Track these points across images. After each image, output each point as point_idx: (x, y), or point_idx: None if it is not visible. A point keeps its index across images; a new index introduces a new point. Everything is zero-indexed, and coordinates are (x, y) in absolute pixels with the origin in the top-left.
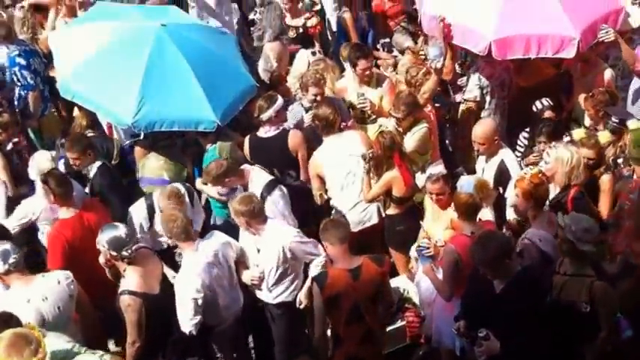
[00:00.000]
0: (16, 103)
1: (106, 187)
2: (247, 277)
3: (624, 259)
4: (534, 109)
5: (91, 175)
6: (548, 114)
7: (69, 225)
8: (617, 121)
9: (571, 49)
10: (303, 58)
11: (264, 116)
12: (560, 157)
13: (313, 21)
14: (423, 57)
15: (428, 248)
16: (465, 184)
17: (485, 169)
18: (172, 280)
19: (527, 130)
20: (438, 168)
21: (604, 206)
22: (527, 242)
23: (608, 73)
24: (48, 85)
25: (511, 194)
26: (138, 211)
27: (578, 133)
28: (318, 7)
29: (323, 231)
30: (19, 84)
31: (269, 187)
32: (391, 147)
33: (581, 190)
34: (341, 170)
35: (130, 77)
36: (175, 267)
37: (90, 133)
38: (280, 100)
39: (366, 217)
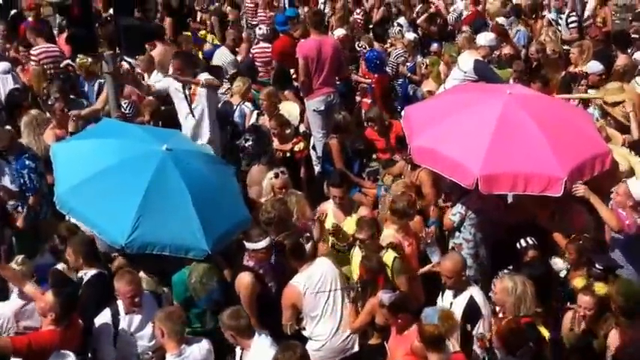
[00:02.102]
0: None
1: (93, 299)
2: None
3: None
4: (518, 246)
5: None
6: (531, 253)
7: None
8: (601, 267)
9: (557, 189)
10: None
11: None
12: (504, 288)
13: (301, 146)
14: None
15: None
16: (430, 314)
17: (454, 304)
18: None
19: (510, 267)
20: (388, 294)
21: None
22: None
23: (587, 216)
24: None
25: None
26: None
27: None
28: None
29: None
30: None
31: None
32: (377, 270)
33: (533, 321)
34: (321, 299)
35: (128, 198)
36: None
37: None
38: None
39: (349, 345)
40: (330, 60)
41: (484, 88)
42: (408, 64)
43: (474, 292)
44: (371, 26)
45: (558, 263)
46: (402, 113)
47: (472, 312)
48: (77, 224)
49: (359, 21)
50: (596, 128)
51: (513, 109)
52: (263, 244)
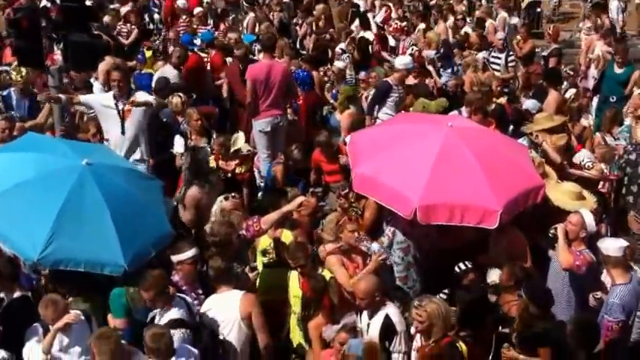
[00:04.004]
0: None
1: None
2: None
3: None
4: (457, 270)
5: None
6: (470, 277)
7: None
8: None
9: (493, 221)
10: (217, 202)
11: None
12: (432, 312)
13: (242, 169)
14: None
15: None
16: (354, 345)
17: (371, 325)
18: None
19: (446, 291)
20: (352, 318)
21: None
22: None
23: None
24: None
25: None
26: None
27: None
28: (247, 152)
29: None
30: None
31: (172, 325)
32: (322, 290)
33: (452, 340)
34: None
35: (43, 213)
36: None
37: None
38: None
39: None
40: (279, 84)
41: (428, 119)
42: (334, 90)
43: (390, 311)
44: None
45: (492, 276)
46: (347, 139)
47: (388, 330)
48: None
49: None
50: (530, 161)
51: (453, 141)
52: (189, 254)
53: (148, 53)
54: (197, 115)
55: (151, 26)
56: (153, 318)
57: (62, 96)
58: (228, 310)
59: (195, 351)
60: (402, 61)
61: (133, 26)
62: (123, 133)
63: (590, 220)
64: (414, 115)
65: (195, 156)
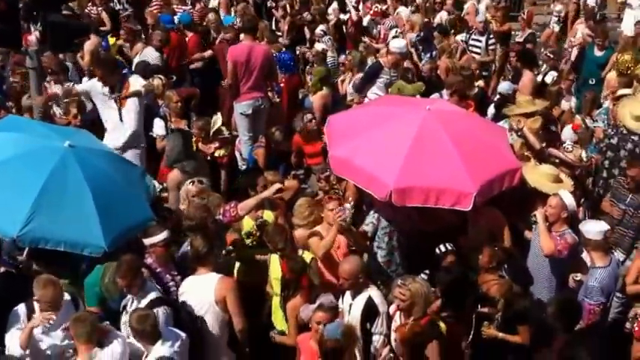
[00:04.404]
0: None
1: None
2: None
3: None
4: (437, 252)
5: None
6: (450, 258)
7: None
8: (507, 275)
9: (467, 203)
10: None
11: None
12: (415, 291)
13: (221, 152)
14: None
15: None
16: (331, 329)
17: (353, 306)
18: None
19: (427, 272)
20: (329, 298)
21: None
22: None
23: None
24: None
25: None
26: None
27: None
28: (227, 135)
29: None
30: None
31: (154, 303)
32: (301, 271)
33: (432, 319)
34: None
35: (24, 192)
36: None
37: None
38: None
39: None
40: (260, 66)
41: (406, 101)
42: None
43: (373, 293)
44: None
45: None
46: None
47: (370, 311)
48: None
49: None
50: (508, 144)
51: (431, 124)
52: (161, 236)
53: (112, 40)
54: (177, 97)
55: (118, 7)
56: (125, 305)
57: (58, 91)
58: (203, 292)
59: (183, 334)
60: (396, 45)
61: (100, 8)
62: (121, 120)
63: (569, 199)
64: (393, 97)
65: (186, 137)
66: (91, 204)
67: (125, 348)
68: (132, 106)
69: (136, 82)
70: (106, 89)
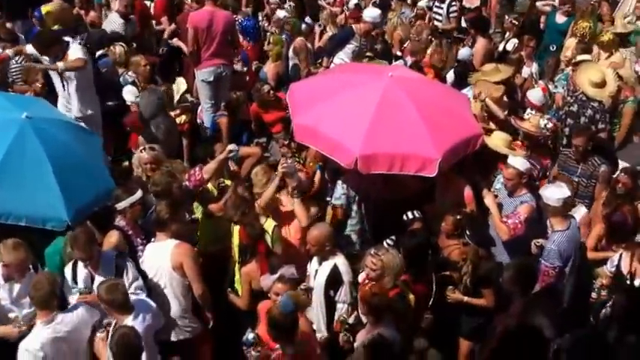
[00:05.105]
0: None
1: None
2: None
3: None
4: (404, 218)
5: None
6: (417, 225)
7: None
8: (471, 241)
9: (432, 169)
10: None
11: (124, 203)
12: (387, 262)
13: (182, 118)
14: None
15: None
16: (285, 301)
17: (319, 272)
18: None
19: (393, 237)
20: (291, 270)
21: None
22: None
23: (467, 189)
24: None
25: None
26: None
27: None
28: (188, 103)
29: None
30: None
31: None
32: (258, 236)
33: (402, 291)
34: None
35: None
36: None
37: None
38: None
39: None
40: (222, 32)
41: (368, 69)
42: None
43: (339, 261)
44: None
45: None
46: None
47: (335, 279)
48: None
49: None
50: (470, 110)
51: (394, 91)
52: (138, 194)
53: (45, 9)
54: (145, 61)
55: None
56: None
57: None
58: (161, 259)
59: (154, 304)
60: (370, 14)
61: None
62: (64, 88)
63: (521, 162)
64: (355, 65)
65: (159, 94)
66: (52, 177)
67: (89, 312)
68: (71, 76)
69: (75, 53)
70: (46, 59)
